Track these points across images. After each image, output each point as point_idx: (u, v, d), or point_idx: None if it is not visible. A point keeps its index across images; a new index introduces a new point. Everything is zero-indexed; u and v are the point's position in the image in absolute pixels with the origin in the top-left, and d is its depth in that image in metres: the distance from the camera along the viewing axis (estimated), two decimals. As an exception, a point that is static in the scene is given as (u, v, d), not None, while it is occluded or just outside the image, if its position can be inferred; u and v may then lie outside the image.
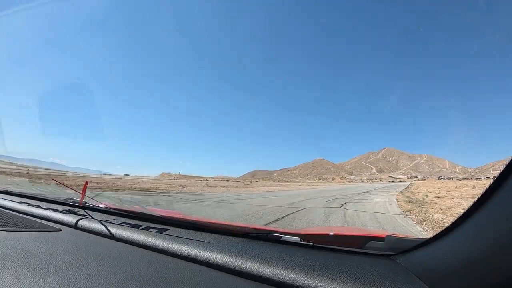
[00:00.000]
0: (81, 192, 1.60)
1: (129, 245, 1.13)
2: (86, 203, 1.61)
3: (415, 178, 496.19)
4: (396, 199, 13.58)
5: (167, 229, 1.27)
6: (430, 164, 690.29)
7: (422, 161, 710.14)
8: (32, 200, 1.85)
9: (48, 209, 1.58)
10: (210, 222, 1.34)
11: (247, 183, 54.48)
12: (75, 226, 1.34)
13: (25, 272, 0.79)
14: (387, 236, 1.02)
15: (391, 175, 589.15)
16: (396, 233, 1.09)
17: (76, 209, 1.57)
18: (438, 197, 15.07)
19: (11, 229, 1.22)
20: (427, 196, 16.16)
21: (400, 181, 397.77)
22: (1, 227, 1.24)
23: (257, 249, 1.01)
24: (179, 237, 1.15)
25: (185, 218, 1.43)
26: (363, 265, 0.87)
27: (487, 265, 0.56)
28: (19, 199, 1.89)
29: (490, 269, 0.55)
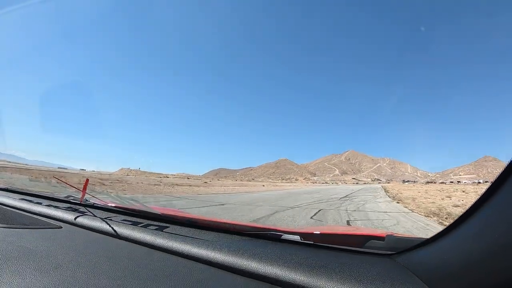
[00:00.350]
0: (81, 189, 1.60)
1: (129, 242, 1.13)
2: (86, 200, 1.62)
3: (379, 181, 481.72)
4: (411, 210, 9.38)
5: (168, 227, 1.27)
6: (392, 168, 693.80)
7: (384, 164, 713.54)
8: (33, 198, 1.86)
9: (49, 206, 1.58)
10: (210, 220, 1.35)
11: (206, 181, 45.99)
12: (75, 224, 1.35)
13: (26, 269, 0.78)
14: (387, 235, 1.02)
15: (354, 177, 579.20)
16: (396, 232, 1.09)
17: (76, 207, 1.59)
18: (457, 205, 11.00)
19: (12, 226, 1.23)
20: (434, 202, 12.28)
21: (364, 183, 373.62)
22: (2, 224, 1.23)
23: (257, 247, 1.01)
24: (179, 235, 1.15)
25: (186, 216, 1.43)
26: (363, 264, 0.86)
27: (487, 265, 0.56)
28: (20, 196, 1.89)
29: (490, 270, 0.55)
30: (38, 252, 0.92)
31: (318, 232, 1.23)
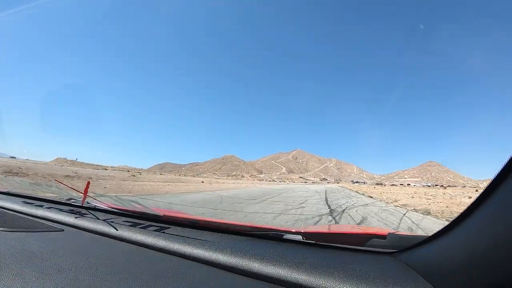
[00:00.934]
0: (83, 192, 1.60)
1: (131, 244, 1.13)
2: (88, 203, 1.62)
3: (327, 181, 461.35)
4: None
5: (169, 228, 1.27)
6: (339, 168, 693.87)
7: (331, 164, 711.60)
8: (35, 201, 1.85)
9: (50, 209, 1.58)
10: (212, 221, 1.35)
11: (134, 174, 40.46)
12: (77, 226, 1.34)
13: (28, 272, 0.78)
14: (389, 233, 1.02)
15: (301, 176, 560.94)
16: (398, 230, 1.08)
17: (78, 209, 1.59)
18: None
19: (14, 229, 1.22)
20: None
21: (313, 182, 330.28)
22: (4, 227, 1.23)
23: (259, 247, 1.01)
24: (181, 236, 1.15)
25: (187, 217, 1.44)
26: (365, 262, 0.87)
27: (490, 263, 0.55)
28: (22, 199, 1.88)
29: (493, 267, 0.55)
30: (39, 255, 0.92)
31: (320, 231, 1.23)
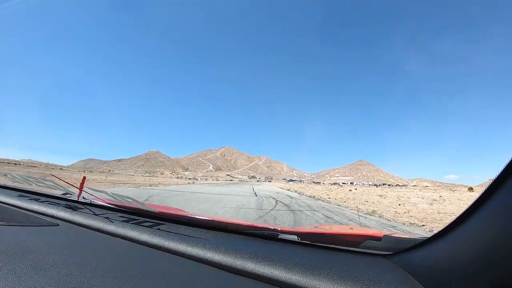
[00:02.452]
0: (79, 187, 1.58)
1: (126, 240, 1.12)
2: (84, 198, 1.60)
3: (257, 180, 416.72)
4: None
5: (164, 225, 1.26)
6: (268, 166, 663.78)
7: (260, 162, 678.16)
8: (30, 195, 1.84)
9: (46, 203, 1.56)
10: (207, 219, 1.32)
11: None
12: (73, 221, 1.33)
13: (22, 266, 0.77)
14: (385, 235, 1.01)
15: (229, 174, 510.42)
16: (393, 232, 1.09)
17: (74, 204, 1.57)
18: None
19: (9, 223, 1.20)
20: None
21: (240, 180, 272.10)
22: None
23: (254, 246, 1.00)
24: (176, 234, 1.13)
25: (182, 214, 1.42)
26: (360, 264, 0.86)
27: (484, 267, 0.56)
28: (17, 193, 1.87)
29: (487, 272, 0.55)
30: (34, 249, 0.90)
31: (316, 232, 1.23)
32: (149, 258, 0.94)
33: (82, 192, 1.58)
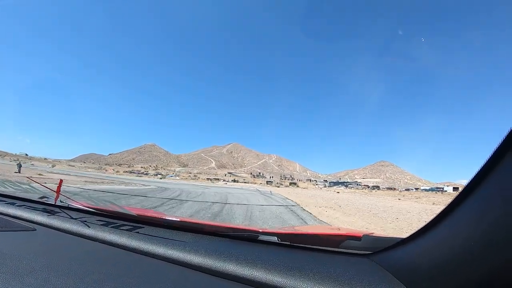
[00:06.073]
0: (55, 190, 1.53)
1: (104, 244, 1.11)
2: (61, 201, 1.55)
3: (268, 180, 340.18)
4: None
5: (143, 228, 1.25)
6: (279, 165, 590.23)
7: (271, 160, 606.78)
8: (6, 198, 1.77)
9: (22, 207, 1.52)
10: (186, 221, 1.32)
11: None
12: (50, 226, 1.30)
13: None
14: (364, 235, 1.02)
15: (231, 172, 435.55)
16: (373, 232, 1.11)
17: (51, 208, 1.53)
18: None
19: None
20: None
21: (244, 181, 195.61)
22: None
23: (234, 248, 1.00)
24: (155, 237, 1.13)
25: (161, 217, 1.41)
26: (340, 264, 0.87)
27: (462, 265, 0.58)
28: None
29: (465, 270, 0.57)
30: (10, 255, 0.88)
31: (296, 233, 1.23)
32: (129, 262, 0.93)
33: (59, 195, 1.54)
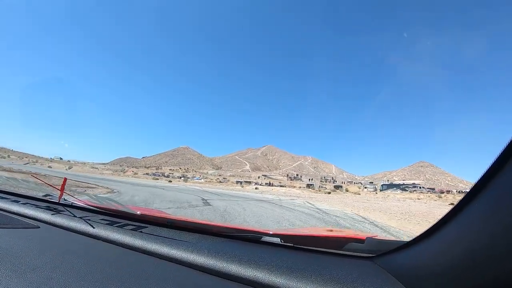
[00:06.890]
0: (60, 188, 1.55)
1: (107, 243, 1.11)
2: (65, 200, 1.58)
3: (308, 183, 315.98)
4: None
5: (146, 227, 1.25)
6: (315, 167, 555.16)
7: (306, 162, 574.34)
8: (10, 196, 1.80)
9: (26, 205, 1.54)
10: (190, 221, 1.33)
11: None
12: (53, 224, 1.31)
13: (2, 270, 0.75)
14: (367, 238, 1.01)
15: (266, 174, 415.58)
16: (376, 235, 1.10)
17: (55, 206, 1.55)
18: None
19: None
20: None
21: (280, 184, 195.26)
22: None
23: (237, 249, 1.00)
24: (158, 236, 1.13)
25: (165, 216, 1.42)
26: (343, 266, 0.86)
27: (466, 269, 0.56)
28: None
29: (469, 274, 0.56)
30: (14, 252, 0.88)
31: (298, 234, 1.23)
32: (131, 261, 0.93)
33: (64, 193, 1.55)
